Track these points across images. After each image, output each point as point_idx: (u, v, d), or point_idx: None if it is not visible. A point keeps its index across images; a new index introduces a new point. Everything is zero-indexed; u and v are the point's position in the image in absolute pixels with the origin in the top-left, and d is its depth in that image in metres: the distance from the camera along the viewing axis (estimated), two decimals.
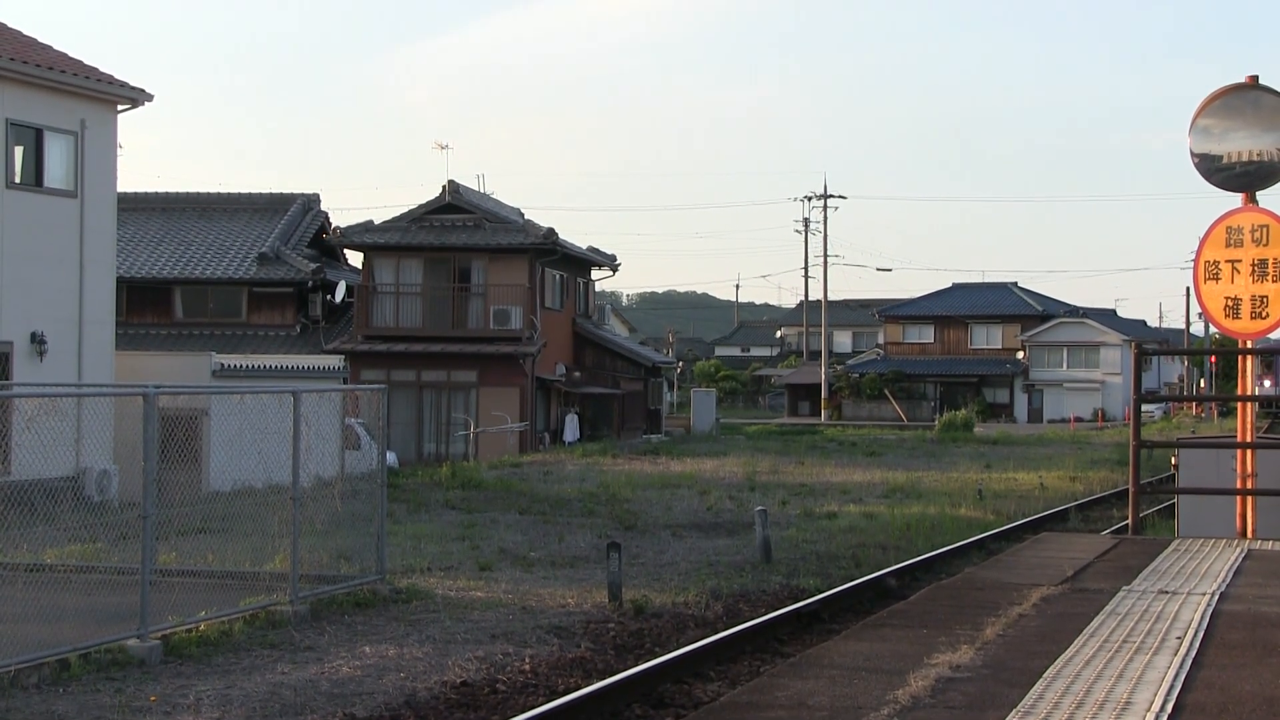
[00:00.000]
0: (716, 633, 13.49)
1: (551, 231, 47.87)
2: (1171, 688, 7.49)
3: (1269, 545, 13.68)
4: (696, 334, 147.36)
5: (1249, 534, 14.72)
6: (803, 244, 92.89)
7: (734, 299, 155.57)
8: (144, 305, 47.05)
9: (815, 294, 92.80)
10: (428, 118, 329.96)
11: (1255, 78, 15.27)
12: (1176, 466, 17.38)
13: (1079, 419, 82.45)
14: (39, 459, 13.97)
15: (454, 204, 48.62)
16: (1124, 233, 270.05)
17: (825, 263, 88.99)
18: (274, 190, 51.80)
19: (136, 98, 29.42)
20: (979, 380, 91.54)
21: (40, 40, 28.87)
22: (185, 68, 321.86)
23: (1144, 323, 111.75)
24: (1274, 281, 14.73)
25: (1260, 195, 15.19)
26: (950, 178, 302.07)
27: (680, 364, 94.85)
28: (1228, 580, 11.24)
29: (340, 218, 66.23)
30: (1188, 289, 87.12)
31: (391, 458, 32.35)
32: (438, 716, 10.55)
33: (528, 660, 12.42)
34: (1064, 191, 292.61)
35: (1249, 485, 14.90)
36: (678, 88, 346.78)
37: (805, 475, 35.18)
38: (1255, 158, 15.03)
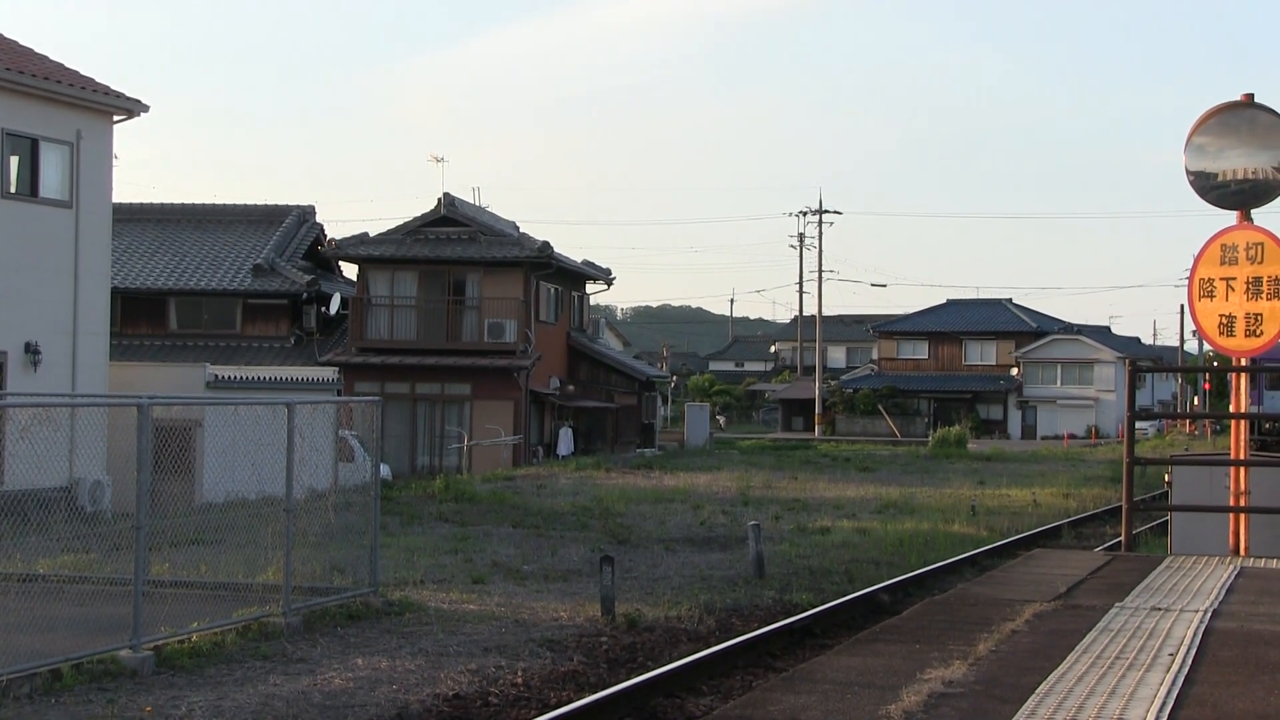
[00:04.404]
0: (709, 647, 13.48)
1: (546, 245, 47.91)
2: (1164, 705, 7.50)
3: (1262, 563, 13.70)
4: (691, 348, 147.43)
5: (1242, 551, 14.74)
6: (798, 259, 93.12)
7: (728, 314, 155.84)
8: (138, 316, 47.04)
9: (810, 309, 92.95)
10: (424, 131, 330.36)
11: (1251, 96, 15.32)
12: (1170, 484, 17.40)
13: (1073, 436, 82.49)
14: (33, 469, 13.97)
15: (449, 217, 48.67)
16: (1119, 250, 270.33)
17: (820, 278, 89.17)
18: (269, 202, 51.91)
19: (132, 108, 29.44)
20: (973, 396, 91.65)
21: (36, 50, 28.90)
22: (181, 79, 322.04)
23: (1138, 340, 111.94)
24: (1269, 299, 14.77)
25: (1255, 213, 15.23)
26: (945, 194, 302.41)
27: (674, 378, 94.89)
28: (1220, 598, 11.25)
29: (335, 230, 66.44)
30: (1182, 306, 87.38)
31: (385, 470, 32.32)
32: None
33: (520, 673, 12.41)
34: (1058, 208, 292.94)
35: (1242, 503, 14.92)
36: (673, 102, 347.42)
37: (798, 490, 35.16)
38: (1250, 175, 15.07)
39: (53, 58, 28.87)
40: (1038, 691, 7.78)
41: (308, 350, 46.69)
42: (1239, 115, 15.27)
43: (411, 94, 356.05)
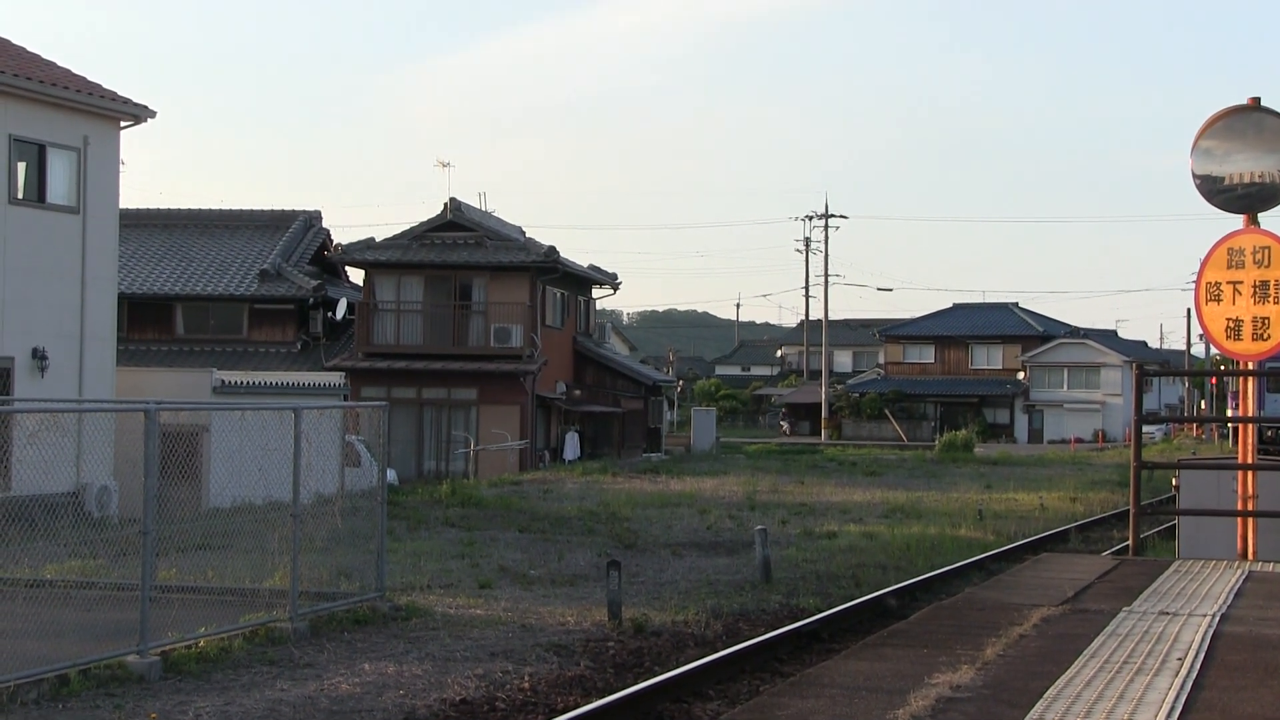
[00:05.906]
0: (716, 651, 13.48)
1: (552, 250, 47.93)
2: (1172, 709, 7.49)
3: (1269, 567, 13.68)
4: (697, 353, 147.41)
5: (1249, 555, 14.73)
6: (804, 263, 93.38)
7: (734, 318, 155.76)
8: (145, 321, 47.09)
9: (816, 313, 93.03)
10: (430, 136, 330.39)
11: (1257, 100, 15.32)
12: (1177, 488, 17.38)
13: (1079, 440, 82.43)
14: (40, 474, 13.98)
15: (455, 222, 48.68)
16: (1125, 254, 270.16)
17: (826, 282, 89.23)
18: (276, 207, 51.92)
19: (139, 114, 29.47)
20: (979, 400, 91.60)
21: (44, 57, 28.93)
22: (188, 84, 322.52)
23: (1145, 344, 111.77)
24: (1275, 303, 14.75)
25: (1262, 217, 15.23)
26: (951, 198, 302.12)
27: (680, 383, 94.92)
28: (1228, 602, 11.23)
29: (342, 235, 66.24)
30: (1189, 310, 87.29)
31: (391, 475, 32.32)
32: None
33: (527, 678, 12.40)
34: (1065, 212, 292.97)
35: (1250, 507, 14.90)
36: (679, 107, 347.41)
37: (805, 495, 35.15)
38: (1257, 179, 15.06)
39: (60, 63, 28.92)
40: (1046, 696, 7.78)
41: (314, 355, 46.71)
42: (1245, 119, 15.27)
43: (418, 99, 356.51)
